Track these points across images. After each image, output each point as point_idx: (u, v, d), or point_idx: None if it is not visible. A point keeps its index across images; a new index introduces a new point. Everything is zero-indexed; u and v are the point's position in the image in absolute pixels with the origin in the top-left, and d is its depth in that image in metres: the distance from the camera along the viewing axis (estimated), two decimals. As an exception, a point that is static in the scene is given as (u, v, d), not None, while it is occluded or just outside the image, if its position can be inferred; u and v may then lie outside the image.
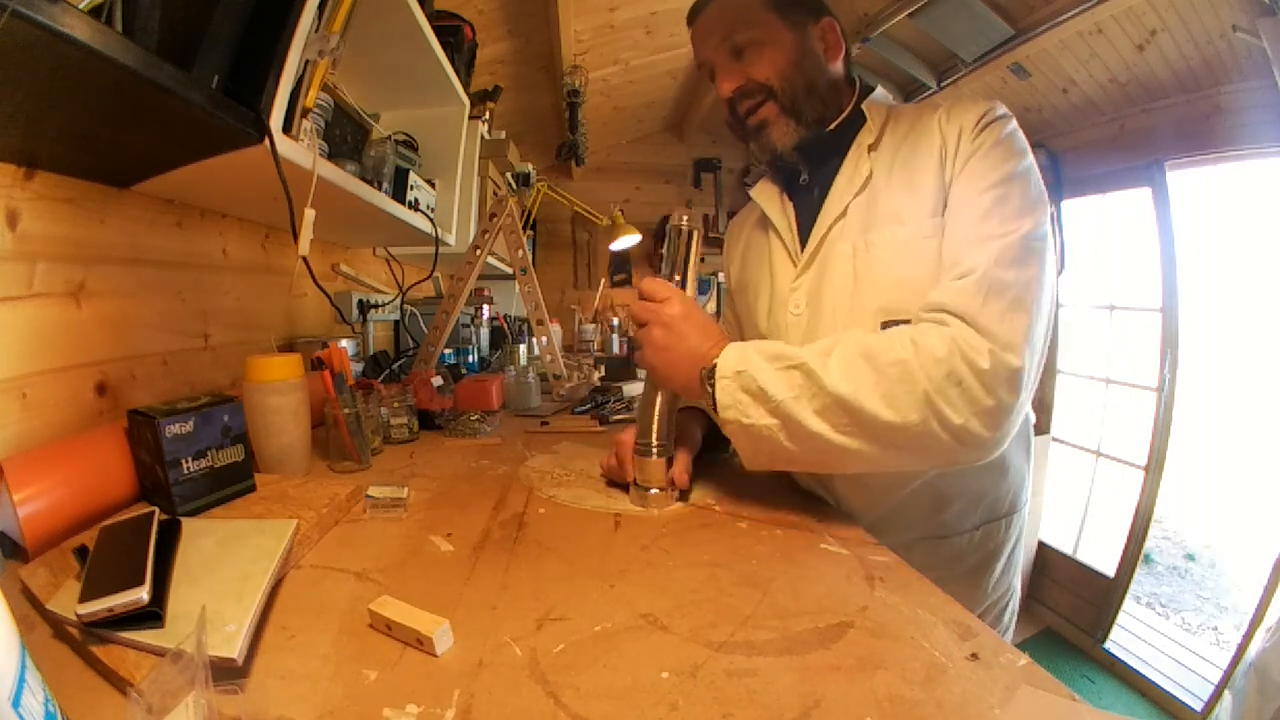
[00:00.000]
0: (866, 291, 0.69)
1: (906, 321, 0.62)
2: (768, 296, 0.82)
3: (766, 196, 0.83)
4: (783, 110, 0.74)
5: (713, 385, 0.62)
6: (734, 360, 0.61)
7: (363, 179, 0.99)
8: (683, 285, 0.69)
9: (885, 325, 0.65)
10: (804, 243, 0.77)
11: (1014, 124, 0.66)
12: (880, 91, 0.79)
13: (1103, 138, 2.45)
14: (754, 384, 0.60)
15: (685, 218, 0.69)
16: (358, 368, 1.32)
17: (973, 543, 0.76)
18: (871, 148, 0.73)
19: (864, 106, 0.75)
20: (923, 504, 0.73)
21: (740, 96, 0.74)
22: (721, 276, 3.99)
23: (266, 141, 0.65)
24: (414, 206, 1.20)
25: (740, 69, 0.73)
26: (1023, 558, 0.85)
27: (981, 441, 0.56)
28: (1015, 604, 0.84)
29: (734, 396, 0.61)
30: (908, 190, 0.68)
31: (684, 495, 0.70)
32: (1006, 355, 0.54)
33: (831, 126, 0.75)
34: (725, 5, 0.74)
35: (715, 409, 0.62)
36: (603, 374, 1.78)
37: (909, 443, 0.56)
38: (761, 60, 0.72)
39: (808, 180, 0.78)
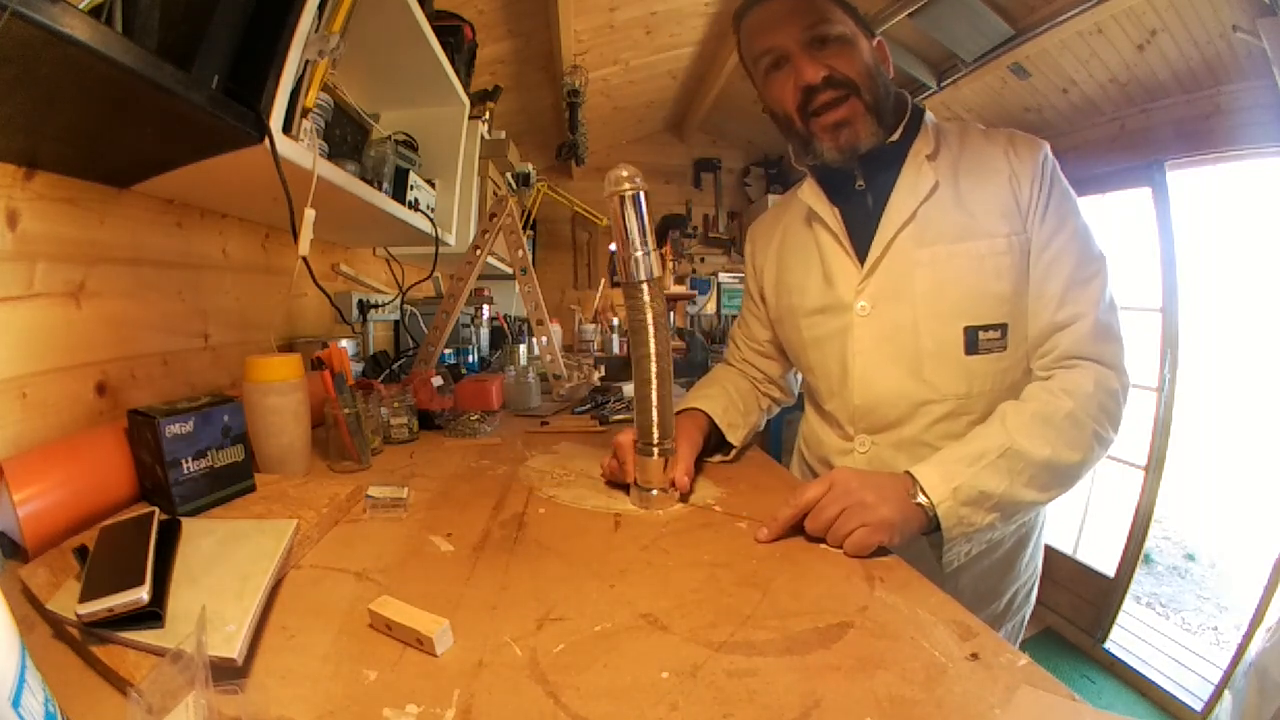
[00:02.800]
0: (951, 298, 0.75)
1: (986, 327, 0.74)
2: (819, 295, 0.83)
3: (817, 200, 0.83)
4: (867, 109, 0.74)
5: (933, 513, 0.61)
6: (939, 481, 0.62)
7: (363, 179, 0.99)
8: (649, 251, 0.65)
9: (968, 330, 0.74)
10: (858, 245, 0.79)
11: (1057, 163, 0.76)
12: (929, 113, 0.82)
13: (1103, 138, 2.45)
14: (973, 492, 0.62)
15: (627, 172, 0.64)
16: (358, 368, 1.32)
17: (1009, 528, 0.83)
18: (930, 158, 0.76)
19: (925, 122, 0.79)
20: None
21: (826, 85, 0.72)
22: (724, 277, 4.05)
23: (266, 141, 0.65)
24: (414, 206, 1.20)
25: (824, 60, 0.72)
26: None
27: (1112, 443, 0.70)
28: (1038, 585, 0.91)
29: (957, 514, 0.61)
30: (981, 207, 0.74)
31: (684, 496, 0.70)
32: (1123, 376, 0.71)
33: (895, 136, 0.77)
34: None
35: (939, 530, 0.62)
36: (603, 374, 1.77)
37: (1086, 470, 0.68)
38: (846, 56, 0.72)
39: (863, 186, 0.80)
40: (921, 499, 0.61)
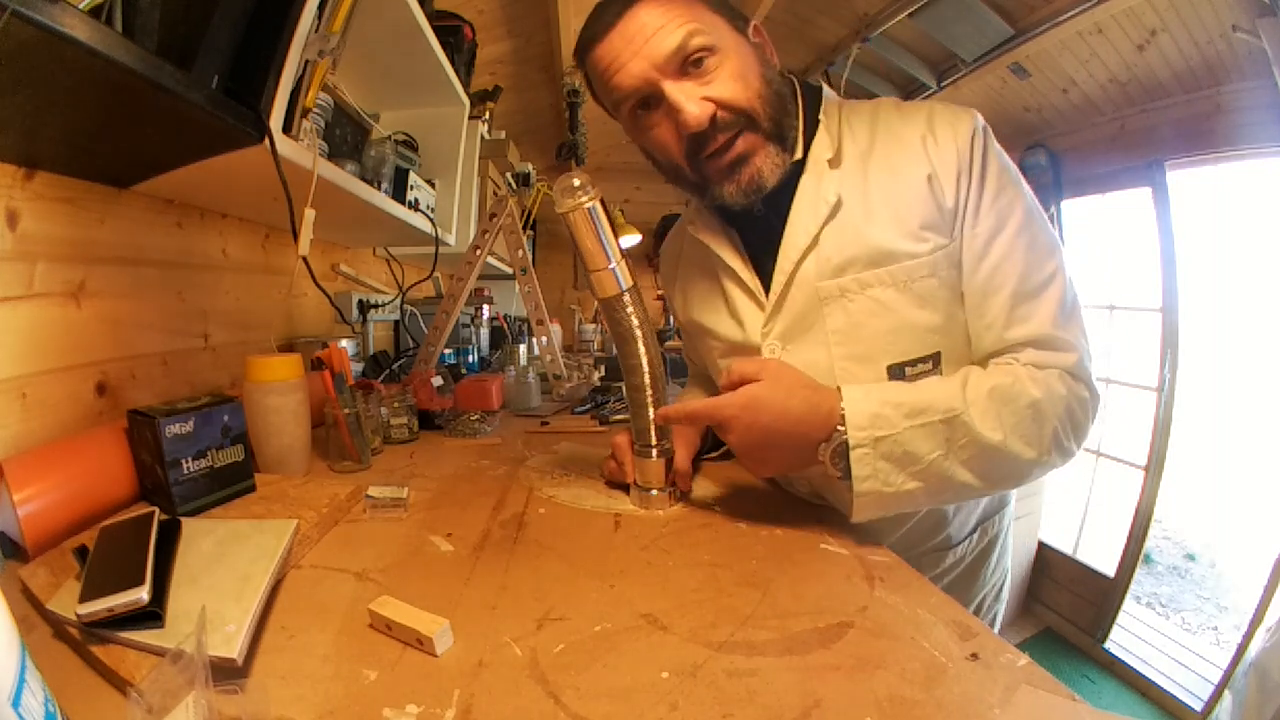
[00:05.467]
0: (870, 337, 0.63)
1: (914, 361, 0.62)
2: (730, 338, 0.72)
3: (711, 235, 0.71)
4: (767, 138, 0.61)
5: (844, 458, 0.53)
6: (867, 422, 0.53)
7: (363, 179, 0.99)
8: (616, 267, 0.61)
9: (892, 369, 0.63)
10: (763, 276, 0.67)
11: (992, 136, 0.62)
12: (826, 90, 0.68)
13: (1103, 138, 2.45)
14: (898, 449, 0.54)
15: (578, 181, 0.58)
16: (358, 368, 1.32)
17: (971, 544, 0.78)
18: (832, 163, 0.63)
19: (822, 115, 0.65)
20: (928, 525, 0.73)
21: (715, 129, 0.58)
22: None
23: (266, 141, 0.65)
24: (414, 206, 1.20)
25: (703, 92, 0.57)
26: (1016, 545, 0.88)
27: (1072, 456, 0.60)
28: (1008, 581, 0.87)
29: (873, 466, 0.54)
30: (896, 222, 0.61)
31: (684, 496, 0.70)
32: (1091, 387, 0.60)
33: (798, 153, 0.64)
34: (660, 7, 0.57)
35: (850, 482, 0.55)
36: (603, 374, 1.77)
37: (1037, 472, 0.59)
38: (728, 77, 0.58)
39: (762, 210, 0.64)
40: (838, 433, 0.55)
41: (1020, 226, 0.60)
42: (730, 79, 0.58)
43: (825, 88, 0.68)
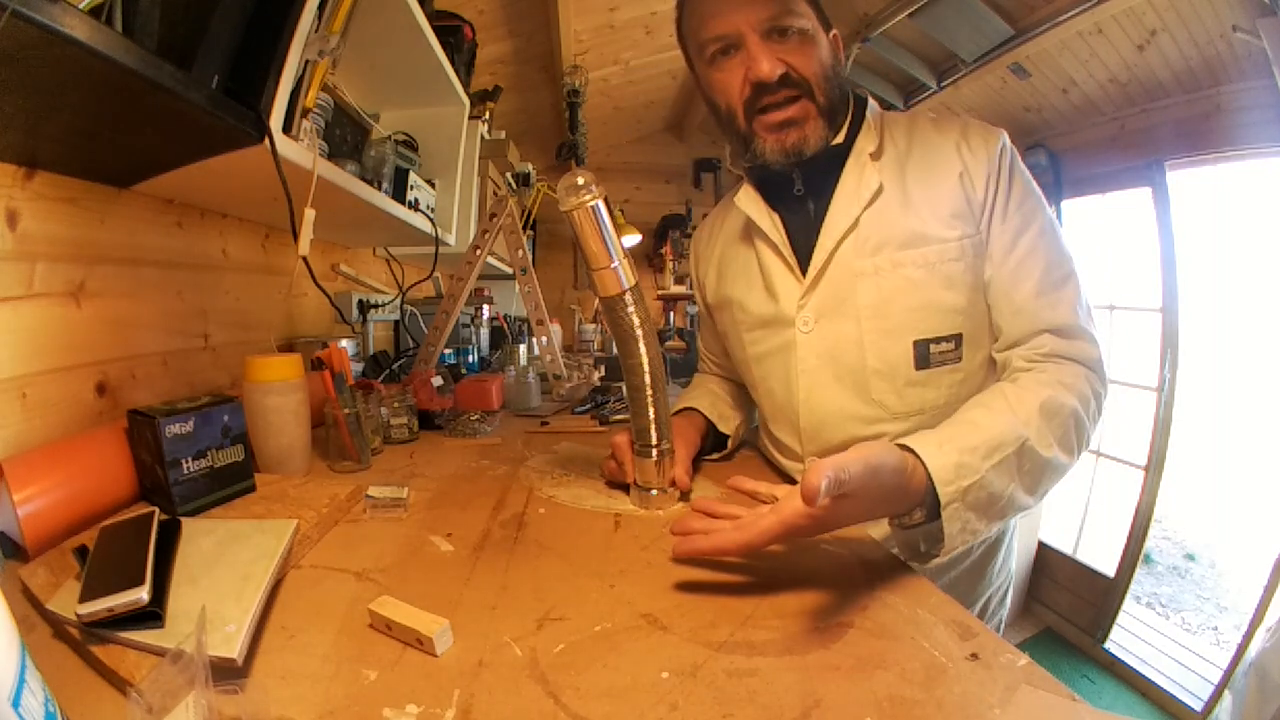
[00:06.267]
0: (898, 311, 0.69)
1: (938, 340, 0.68)
2: (761, 312, 0.77)
3: (754, 207, 0.76)
4: (819, 112, 0.68)
5: (939, 518, 0.52)
6: (952, 473, 0.52)
7: (363, 179, 0.99)
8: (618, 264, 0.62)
9: (917, 344, 0.69)
10: (800, 255, 0.73)
11: (1018, 155, 0.70)
12: (872, 102, 0.76)
13: (1103, 138, 2.45)
14: (983, 494, 0.53)
15: (581, 180, 0.59)
16: (358, 368, 1.32)
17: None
18: (874, 156, 0.71)
19: (867, 115, 0.73)
20: None
21: (780, 84, 0.66)
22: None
23: (266, 141, 0.65)
24: (414, 206, 1.20)
25: (782, 55, 0.66)
26: (1018, 546, 0.90)
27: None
28: (1012, 585, 0.88)
29: (962, 520, 0.52)
30: (930, 209, 0.68)
31: (684, 496, 0.70)
32: (1105, 383, 0.66)
33: (839, 138, 0.71)
34: None
35: (941, 540, 0.53)
36: (603, 374, 1.78)
37: (1066, 475, 0.62)
38: (805, 53, 0.66)
39: (802, 191, 0.73)
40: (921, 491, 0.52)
41: (1042, 229, 0.67)
42: (807, 56, 0.66)
43: (870, 99, 0.76)
